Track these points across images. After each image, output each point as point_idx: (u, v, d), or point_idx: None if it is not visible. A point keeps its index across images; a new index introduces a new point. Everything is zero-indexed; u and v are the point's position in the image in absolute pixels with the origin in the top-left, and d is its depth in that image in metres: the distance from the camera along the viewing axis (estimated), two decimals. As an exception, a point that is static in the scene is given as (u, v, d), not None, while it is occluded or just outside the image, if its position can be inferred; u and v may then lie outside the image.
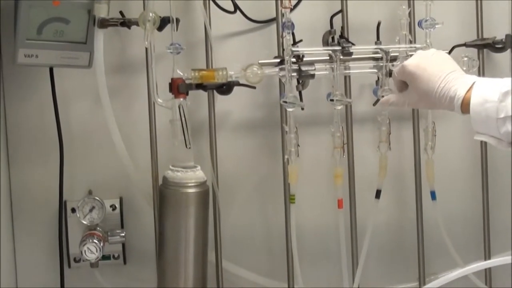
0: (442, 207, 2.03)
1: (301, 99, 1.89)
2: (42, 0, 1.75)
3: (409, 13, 1.92)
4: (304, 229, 2.04)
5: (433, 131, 1.95)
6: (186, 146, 1.81)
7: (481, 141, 1.85)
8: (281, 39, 1.88)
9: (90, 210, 1.94)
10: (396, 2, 1.94)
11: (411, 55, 1.85)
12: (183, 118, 1.81)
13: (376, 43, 1.94)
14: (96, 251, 1.88)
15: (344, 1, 1.97)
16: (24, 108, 1.95)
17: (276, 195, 2.00)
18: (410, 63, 1.59)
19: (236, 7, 1.95)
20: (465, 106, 1.50)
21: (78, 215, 1.94)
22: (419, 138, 2.01)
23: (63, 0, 1.76)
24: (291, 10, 1.84)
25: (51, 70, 1.89)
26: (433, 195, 2.00)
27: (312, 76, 1.87)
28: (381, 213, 2.04)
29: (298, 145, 1.88)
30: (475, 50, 2.00)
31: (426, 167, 1.99)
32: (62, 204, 1.94)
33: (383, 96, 1.77)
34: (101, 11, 1.79)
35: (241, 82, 1.86)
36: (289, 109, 1.85)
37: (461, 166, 2.11)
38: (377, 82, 1.91)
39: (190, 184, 1.81)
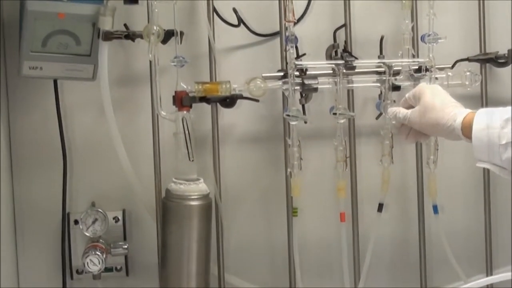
0: (445, 221, 2.02)
1: (304, 113, 1.89)
2: (47, 12, 1.76)
3: (412, 28, 1.93)
4: (307, 242, 2.04)
5: (436, 145, 1.95)
6: (190, 159, 1.81)
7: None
8: (284, 53, 1.89)
9: (93, 222, 1.94)
10: (399, 16, 1.95)
11: (414, 69, 1.88)
12: (186, 131, 1.81)
13: (379, 57, 1.94)
14: (99, 263, 1.88)
15: (348, 16, 1.97)
16: (28, 120, 1.96)
17: (279, 208, 2.00)
18: (424, 83, 1.76)
19: (240, 21, 1.96)
20: (465, 125, 1.55)
21: (81, 227, 1.94)
22: (422, 152, 2.02)
23: (68, 12, 1.77)
24: (295, 24, 1.85)
25: (55, 82, 1.90)
26: (435, 209, 1.99)
27: (315, 89, 1.87)
28: (383, 226, 2.04)
29: (301, 158, 1.88)
30: (477, 65, 2.00)
31: (428, 181, 1.99)
32: (65, 215, 1.95)
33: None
34: (106, 24, 1.80)
35: (244, 95, 1.86)
36: (292, 123, 1.85)
37: (463, 180, 2.11)
38: (380, 96, 1.91)
39: (193, 197, 1.81)
